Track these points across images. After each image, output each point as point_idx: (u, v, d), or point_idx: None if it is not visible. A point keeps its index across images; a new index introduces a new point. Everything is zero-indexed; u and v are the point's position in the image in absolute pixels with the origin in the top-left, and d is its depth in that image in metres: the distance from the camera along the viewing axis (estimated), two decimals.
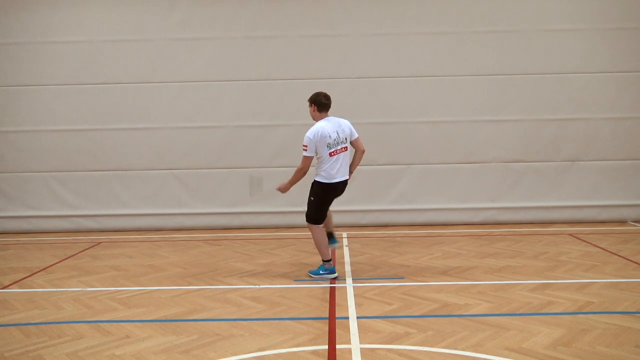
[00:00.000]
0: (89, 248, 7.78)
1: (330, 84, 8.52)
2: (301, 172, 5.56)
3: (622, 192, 8.81)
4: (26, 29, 8.91)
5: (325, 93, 5.65)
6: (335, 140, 5.49)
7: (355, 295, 5.14)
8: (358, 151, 5.70)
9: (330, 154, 5.48)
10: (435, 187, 8.89)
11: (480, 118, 8.81)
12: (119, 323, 4.55)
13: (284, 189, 5.72)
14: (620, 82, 8.69)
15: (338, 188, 5.61)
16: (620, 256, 6.52)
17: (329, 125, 5.52)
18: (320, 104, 5.59)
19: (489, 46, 8.73)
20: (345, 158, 5.60)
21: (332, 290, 5.32)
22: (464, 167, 8.88)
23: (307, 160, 5.49)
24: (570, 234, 7.95)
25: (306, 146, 5.45)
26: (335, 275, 5.72)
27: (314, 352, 3.82)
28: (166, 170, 9.02)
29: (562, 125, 8.77)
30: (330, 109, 5.67)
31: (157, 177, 9.03)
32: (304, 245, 7.57)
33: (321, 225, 5.71)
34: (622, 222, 8.83)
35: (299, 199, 8.67)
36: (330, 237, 5.89)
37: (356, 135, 5.68)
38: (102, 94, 8.93)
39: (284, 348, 3.92)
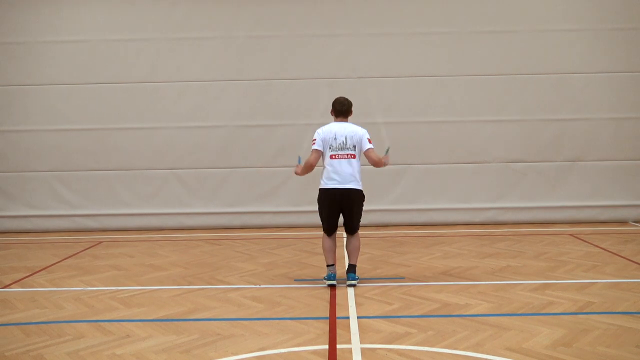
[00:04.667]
0: (89, 247, 7.79)
1: (330, 84, 8.54)
2: (307, 164, 5.43)
3: (622, 192, 8.81)
4: (28, 29, 8.92)
5: (341, 99, 5.53)
6: (341, 144, 5.36)
7: (355, 295, 5.14)
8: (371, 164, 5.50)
9: (331, 157, 5.37)
10: (436, 187, 8.89)
11: (481, 118, 8.81)
12: (120, 322, 4.55)
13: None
14: (620, 82, 8.69)
15: (332, 195, 5.36)
16: (621, 256, 6.52)
17: (335, 127, 5.43)
18: (334, 109, 5.54)
19: (489, 46, 8.74)
20: (347, 166, 5.34)
21: (333, 290, 5.32)
22: (464, 167, 8.88)
23: (313, 154, 5.39)
24: (571, 234, 7.94)
25: (314, 140, 5.40)
26: (329, 282, 5.43)
27: (314, 352, 3.83)
28: (167, 170, 9.03)
29: (563, 125, 8.77)
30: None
31: (158, 177, 9.04)
32: (305, 245, 7.58)
33: (329, 237, 5.50)
34: (623, 222, 8.82)
35: (300, 199, 8.73)
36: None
37: (367, 146, 5.41)
38: (103, 94, 8.95)
39: (285, 348, 3.92)
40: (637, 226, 8.56)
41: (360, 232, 5.57)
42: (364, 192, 5.48)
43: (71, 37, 8.92)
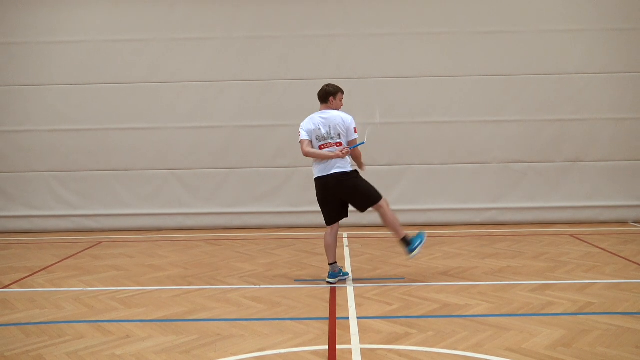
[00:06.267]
0: (89, 248, 7.79)
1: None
2: (307, 154, 5.48)
3: (622, 193, 8.81)
4: (28, 29, 8.92)
5: (323, 86, 5.70)
6: (325, 134, 5.43)
7: (355, 295, 5.14)
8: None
9: (320, 147, 5.45)
10: (436, 187, 8.89)
11: (481, 118, 8.81)
12: (120, 323, 4.55)
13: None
14: (620, 83, 8.69)
15: (322, 184, 5.43)
16: (620, 257, 6.52)
17: (317, 117, 5.54)
18: (318, 96, 5.69)
19: (489, 46, 8.74)
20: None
21: (333, 291, 5.33)
22: (464, 167, 8.87)
23: (303, 144, 5.47)
24: (571, 235, 7.94)
25: (299, 133, 5.54)
26: (329, 280, 5.57)
27: (314, 352, 3.82)
28: (167, 170, 9.03)
29: (563, 125, 8.77)
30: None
31: (158, 177, 9.04)
32: (305, 245, 7.58)
33: (329, 228, 5.56)
34: (623, 222, 8.82)
35: (299, 200, 8.73)
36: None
37: (353, 136, 5.46)
38: (103, 94, 8.95)
39: (284, 348, 3.92)
40: (637, 226, 8.56)
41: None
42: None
43: (71, 37, 8.92)
